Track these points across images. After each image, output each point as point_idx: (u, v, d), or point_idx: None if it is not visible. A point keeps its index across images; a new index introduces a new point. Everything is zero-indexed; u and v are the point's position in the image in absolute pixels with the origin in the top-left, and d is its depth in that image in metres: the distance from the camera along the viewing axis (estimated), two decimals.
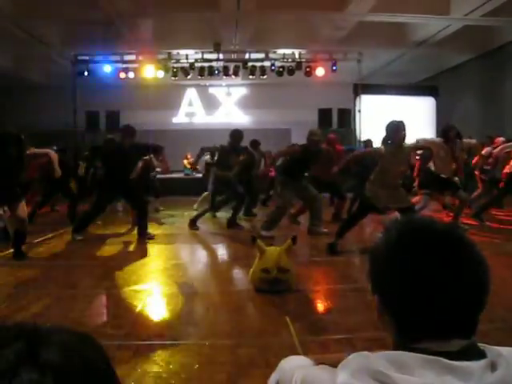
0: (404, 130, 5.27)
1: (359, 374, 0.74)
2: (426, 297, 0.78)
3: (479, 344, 0.80)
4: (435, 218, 0.90)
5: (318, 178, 7.71)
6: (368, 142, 9.41)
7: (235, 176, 7.68)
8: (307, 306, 3.54)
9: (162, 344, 2.80)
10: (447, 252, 0.79)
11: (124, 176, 6.49)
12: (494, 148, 8.60)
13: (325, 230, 6.77)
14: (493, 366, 0.74)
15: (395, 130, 5.29)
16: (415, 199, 8.02)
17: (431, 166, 7.03)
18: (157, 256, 5.58)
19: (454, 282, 0.77)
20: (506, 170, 7.72)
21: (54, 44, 12.90)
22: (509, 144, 7.75)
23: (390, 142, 5.38)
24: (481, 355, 0.77)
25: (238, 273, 4.62)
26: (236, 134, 7.51)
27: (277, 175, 7.60)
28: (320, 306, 3.57)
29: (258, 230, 6.58)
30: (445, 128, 7.01)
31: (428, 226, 0.84)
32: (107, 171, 6.65)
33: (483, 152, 8.66)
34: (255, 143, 9.72)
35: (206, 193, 8.84)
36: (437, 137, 7.31)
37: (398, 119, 5.42)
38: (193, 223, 7.53)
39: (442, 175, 6.72)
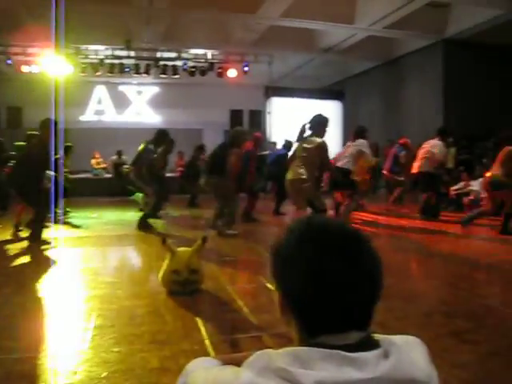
0: (327, 126, 5.44)
1: (263, 373, 0.77)
2: (323, 293, 0.83)
3: (375, 335, 0.87)
4: (334, 217, 0.96)
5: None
6: (288, 143, 9.18)
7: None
8: (218, 307, 3.56)
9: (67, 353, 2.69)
10: (343, 249, 0.85)
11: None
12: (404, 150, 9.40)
13: (235, 231, 6.76)
14: (385, 355, 0.81)
15: (323, 124, 5.40)
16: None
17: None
18: (64, 260, 5.33)
19: (349, 278, 0.83)
20: (414, 170, 8.30)
21: None
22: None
23: (311, 134, 5.44)
24: (376, 345, 0.83)
25: (149, 275, 4.53)
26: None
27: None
28: (231, 306, 3.61)
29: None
30: (362, 129, 7.30)
31: (326, 225, 0.89)
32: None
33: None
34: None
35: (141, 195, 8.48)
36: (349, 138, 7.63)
37: (323, 114, 5.54)
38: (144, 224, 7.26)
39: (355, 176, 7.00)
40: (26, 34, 12.10)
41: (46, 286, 4.10)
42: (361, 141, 7.14)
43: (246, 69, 14.16)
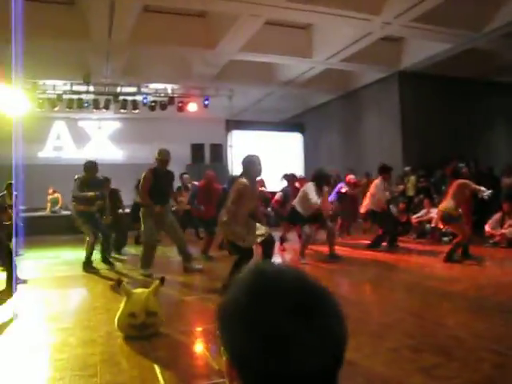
0: (259, 164, 5.28)
1: None
2: (278, 359, 0.70)
3: None
4: (287, 266, 0.85)
5: (201, 218, 8.09)
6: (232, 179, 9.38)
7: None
8: (178, 351, 3.36)
9: None
10: (300, 308, 0.73)
11: None
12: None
13: (199, 266, 6.71)
14: None
15: (252, 164, 5.33)
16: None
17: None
18: (14, 305, 5.01)
19: (308, 340, 0.71)
20: (363, 209, 8.78)
21: None
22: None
23: (240, 174, 5.34)
24: None
25: (105, 319, 4.29)
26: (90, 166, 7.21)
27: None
28: (192, 350, 3.43)
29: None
30: (317, 173, 7.54)
31: (278, 279, 0.78)
32: None
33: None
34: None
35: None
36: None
37: (253, 154, 5.41)
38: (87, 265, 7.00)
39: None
40: None
41: None
42: (308, 184, 7.40)
43: (206, 103, 14.17)
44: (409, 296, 5.14)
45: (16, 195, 7.64)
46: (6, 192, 8.16)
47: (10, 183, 8.30)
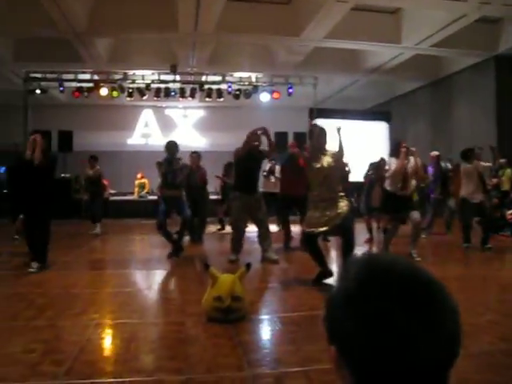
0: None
1: None
2: (389, 350, 0.67)
3: None
4: (401, 256, 0.80)
5: (287, 195, 7.57)
6: None
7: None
8: (261, 336, 3.40)
9: (105, 382, 2.59)
10: (414, 300, 0.69)
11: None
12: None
13: (275, 257, 6.40)
14: None
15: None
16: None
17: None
18: (103, 283, 5.32)
19: (420, 334, 0.67)
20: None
21: (6, 60, 12.44)
22: None
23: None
24: None
25: (189, 301, 4.43)
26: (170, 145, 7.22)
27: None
28: (274, 336, 3.44)
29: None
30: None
31: (391, 269, 0.74)
32: None
33: None
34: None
35: None
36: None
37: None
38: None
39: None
40: (77, 62, 12.57)
41: (85, 312, 4.05)
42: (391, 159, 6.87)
43: (290, 91, 14.11)
44: (504, 296, 4.82)
45: None
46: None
47: None
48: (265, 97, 14.33)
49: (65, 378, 2.62)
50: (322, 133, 5.29)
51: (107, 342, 3.38)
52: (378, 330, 0.68)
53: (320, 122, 16.65)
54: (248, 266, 3.82)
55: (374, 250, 7.70)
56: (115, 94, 13.84)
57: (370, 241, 8.35)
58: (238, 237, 6.51)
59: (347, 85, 15.65)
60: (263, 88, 14.27)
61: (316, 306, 3.91)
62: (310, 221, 4.99)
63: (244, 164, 6.45)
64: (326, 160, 5.15)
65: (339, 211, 4.88)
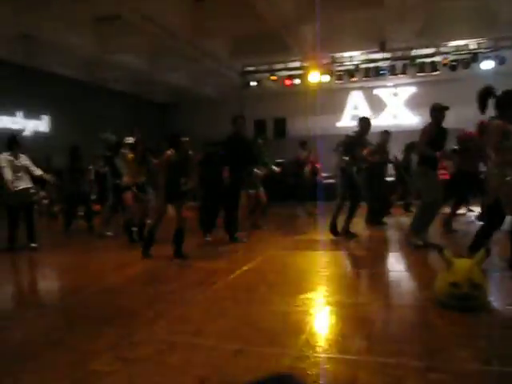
0: None
1: None
2: None
3: None
4: None
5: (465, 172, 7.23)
6: None
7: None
8: (505, 331, 3.00)
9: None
10: None
11: None
12: None
13: (419, 242, 5.88)
14: None
15: None
16: None
17: None
18: (328, 264, 5.44)
19: None
20: None
21: (223, 58, 13.65)
22: None
23: None
24: None
25: (416, 285, 4.22)
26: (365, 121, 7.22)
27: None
28: None
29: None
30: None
31: None
32: None
33: None
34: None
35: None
36: None
37: None
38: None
39: None
40: (285, 51, 13.03)
41: (310, 290, 4.08)
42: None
43: None
44: None
45: None
46: None
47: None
48: (487, 64, 12.75)
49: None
50: None
51: (335, 320, 3.40)
52: None
53: None
54: (488, 250, 3.45)
55: None
56: (326, 78, 14.00)
57: None
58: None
59: None
60: (484, 55, 12.72)
61: None
62: None
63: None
64: None
65: None
